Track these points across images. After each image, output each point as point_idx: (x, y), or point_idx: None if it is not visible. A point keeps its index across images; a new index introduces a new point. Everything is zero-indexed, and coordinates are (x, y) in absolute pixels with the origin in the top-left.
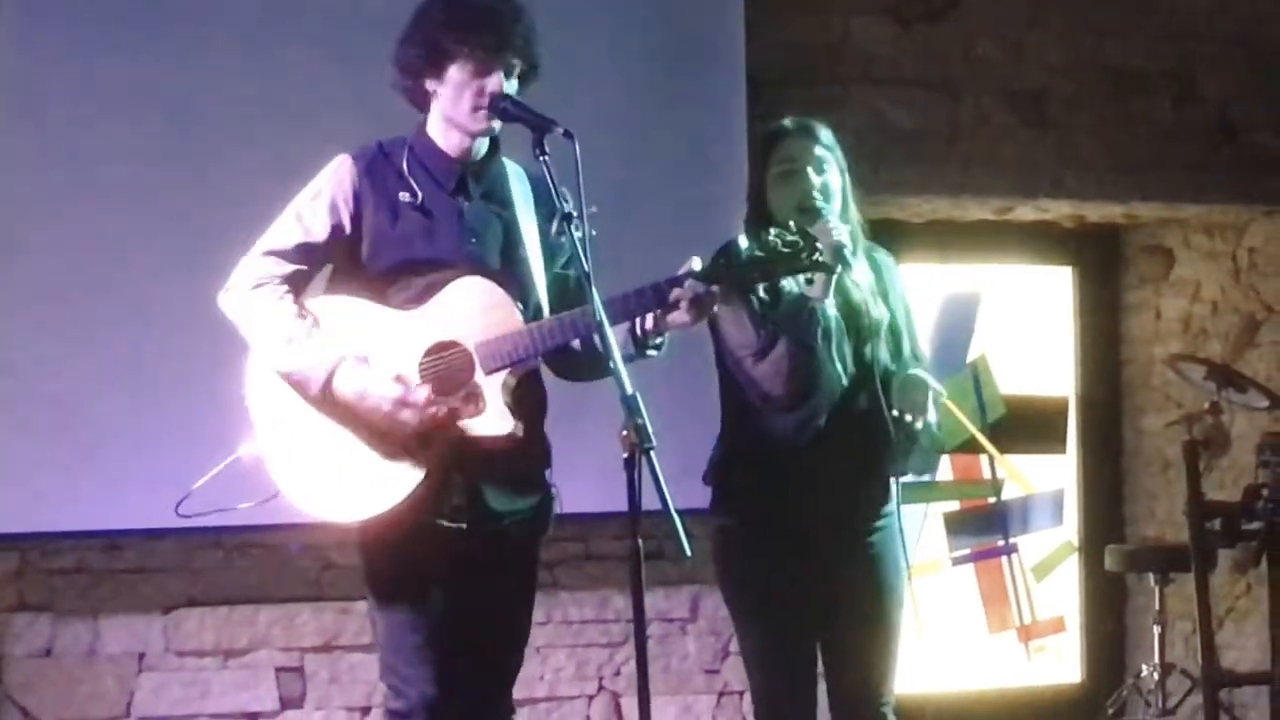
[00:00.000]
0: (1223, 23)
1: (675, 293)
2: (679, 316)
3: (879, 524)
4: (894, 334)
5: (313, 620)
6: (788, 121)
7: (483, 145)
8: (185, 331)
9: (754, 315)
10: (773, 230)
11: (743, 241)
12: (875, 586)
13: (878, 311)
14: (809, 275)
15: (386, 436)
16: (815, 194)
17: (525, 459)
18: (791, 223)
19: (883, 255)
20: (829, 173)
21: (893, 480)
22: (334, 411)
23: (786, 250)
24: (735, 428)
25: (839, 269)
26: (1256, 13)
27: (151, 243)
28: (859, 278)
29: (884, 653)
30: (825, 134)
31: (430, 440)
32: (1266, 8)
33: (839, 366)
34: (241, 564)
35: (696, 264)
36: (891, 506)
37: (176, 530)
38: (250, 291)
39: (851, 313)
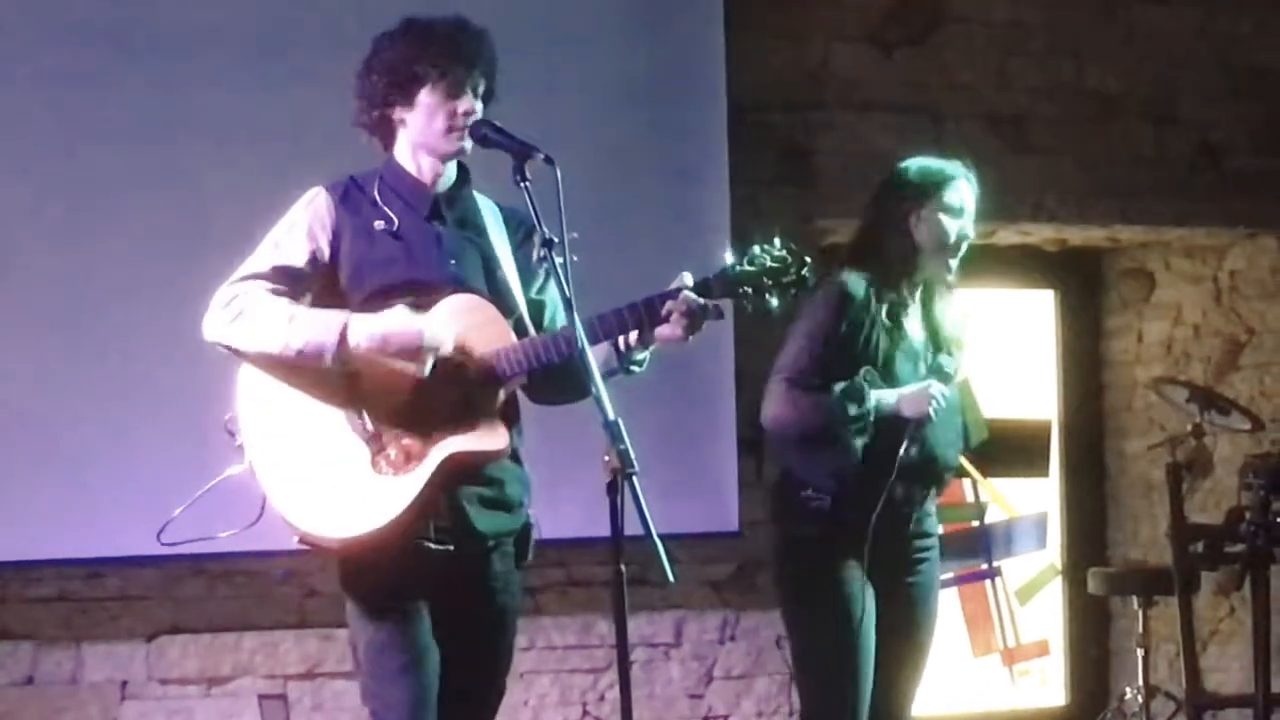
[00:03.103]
0: (1202, 47)
1: (668, 305)
2: (669, 330)
3: (927, 551)
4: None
5: (296, 647)
6: (958, 166)
7: (451, 173)
8: (167, 359)
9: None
10: (759, 245)
11: (728, 257)
12: (917, 609)
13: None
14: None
15: (387, 439)
16: (966, 237)
17: (508, 477)
18: (777, 239)
19: None
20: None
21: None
22: (347, 388)
23: (775, 265)
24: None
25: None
26: (1236, 37)
27: (133, 270)
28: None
29: (914, 673)
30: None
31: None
32: (1246, 32)
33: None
34: (224, 591)
35: (688, 279)
36: (937, 533)
37: (158, 558)
38: (236, 302)
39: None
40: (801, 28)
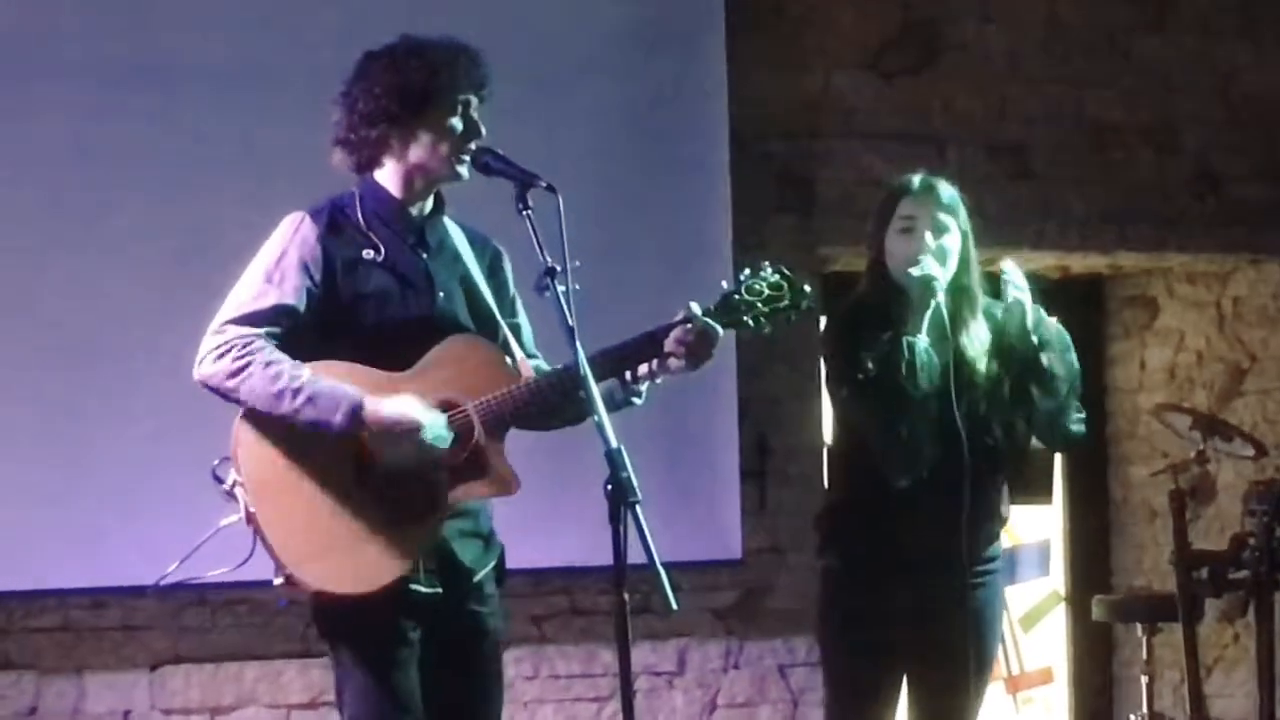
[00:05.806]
0: (1202, 74)
1: (672, 335)
2: (676, 362)
3: (984, 577)
4: (1018, 386)
5: (299, 677)
6: (914, 179)
7: (429, 201)
8: (172, 390)
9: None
10: (760, 272)
11: (725, 285)
12: (974, 637)
13: (990, 369)
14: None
15: (392, 499)
16: (930, 254)
17: (479, 508)
18: (767, 264)
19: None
20: (946, 236)
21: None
22: (355, 441)
23: (772, 292)
24: (844, 475)
25: (932, 300)
26: (1236, 64)
27: (140, 302)
28: (976, 333)
29: (970, 703)
30: (948, 194)
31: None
32: (1245, 59)
33: (932, 405)
34: (227, 621)
35: (695, 309)
36: (999, 561)
37: (161, 588)
38: (236, 355)
39: (966, 369)
40: (802, 57)
